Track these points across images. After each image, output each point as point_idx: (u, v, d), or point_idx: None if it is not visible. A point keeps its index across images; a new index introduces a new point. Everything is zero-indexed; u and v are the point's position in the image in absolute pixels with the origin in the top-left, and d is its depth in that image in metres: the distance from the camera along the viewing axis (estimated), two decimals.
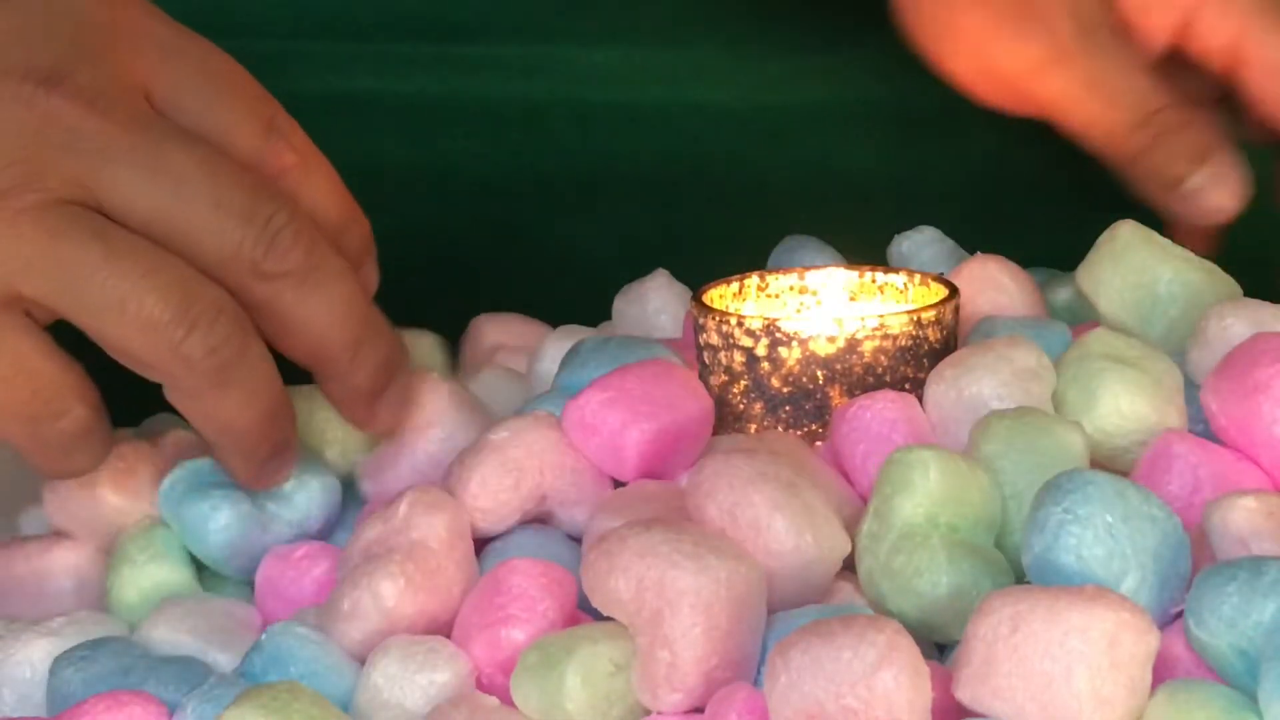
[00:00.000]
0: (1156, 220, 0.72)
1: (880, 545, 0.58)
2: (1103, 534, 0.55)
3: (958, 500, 0.59)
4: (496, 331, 0.80)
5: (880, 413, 0.63)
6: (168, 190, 0.63)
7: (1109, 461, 0.63)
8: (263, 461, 0.66)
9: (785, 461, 0.60)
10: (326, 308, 0.64)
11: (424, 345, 0.76)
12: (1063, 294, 0.77)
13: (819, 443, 0.66)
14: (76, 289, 0.62)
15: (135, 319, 0.62)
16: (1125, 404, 0.63)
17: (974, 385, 0.64)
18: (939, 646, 0.58)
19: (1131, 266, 0.70)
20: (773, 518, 0.58)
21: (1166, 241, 0.70)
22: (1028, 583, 0.56)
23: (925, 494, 0.58)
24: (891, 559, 0.58)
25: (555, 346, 0.74)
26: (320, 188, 0.67)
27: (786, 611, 0.57)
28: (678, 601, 0.55)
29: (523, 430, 0.65)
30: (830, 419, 0.66)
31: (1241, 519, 0.56)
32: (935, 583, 0.57)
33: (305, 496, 0.67)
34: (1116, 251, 0.70)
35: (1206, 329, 0.66)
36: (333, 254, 0.65)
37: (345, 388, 0.66)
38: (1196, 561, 0.57)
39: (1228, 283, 0.70)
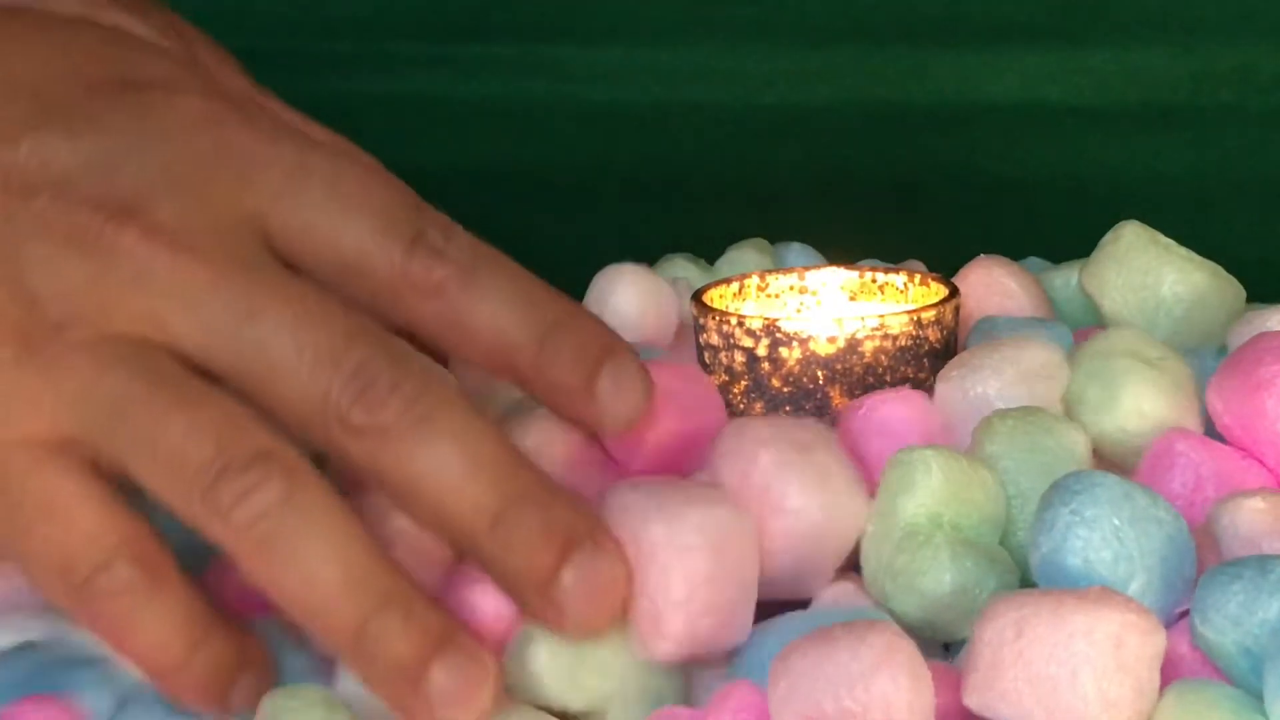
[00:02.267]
0: (1157, 218, 0.72)
1: (884, 545, 0.58)
2: (1110, 536, 0.55)
3: (961, 499, 0.59)
4: None
5: (894, 411, 0.63)
6: (247, 336, 0.54)
7: (1125, 460, 0.63)
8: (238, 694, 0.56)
9: (811, 429, 0.60)
10: (439, 466, 0.54)
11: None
12: (1060, 286, 0.77)
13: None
14: (112, 425, 0.54)
15: (163, 458, 0.54)
16: (1147, 404, 0.63)
17: (980, 385, 0.64)
18: (944, 645, 0.58)
19: (1135, 268, 0.70)
20: (785, 478, 0.58)
21: (1170, 242, 0.70)
22: (1033, 584, 0.56)
23: (928, 493, 0.58)
24: (895, 558, 0.58)
25: None
26: (491, 298, 0.57)
27: (788, 615, 0.57)
28: (652, 553, 0.55)
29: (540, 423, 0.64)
30: (830, 418, 0.66)
31: (1250, 520, 0.56)
32: (939, 581, 0.57)
33: None
34: (1120, 253, 0.70)
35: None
36: (452, 398, 0.55)
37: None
38: (1201, 562, 0.57)
39: (1233, 285, 0.70)
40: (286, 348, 0.54)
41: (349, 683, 0.58)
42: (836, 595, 0.59)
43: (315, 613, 0.53)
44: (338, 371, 0.54)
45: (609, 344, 0.57)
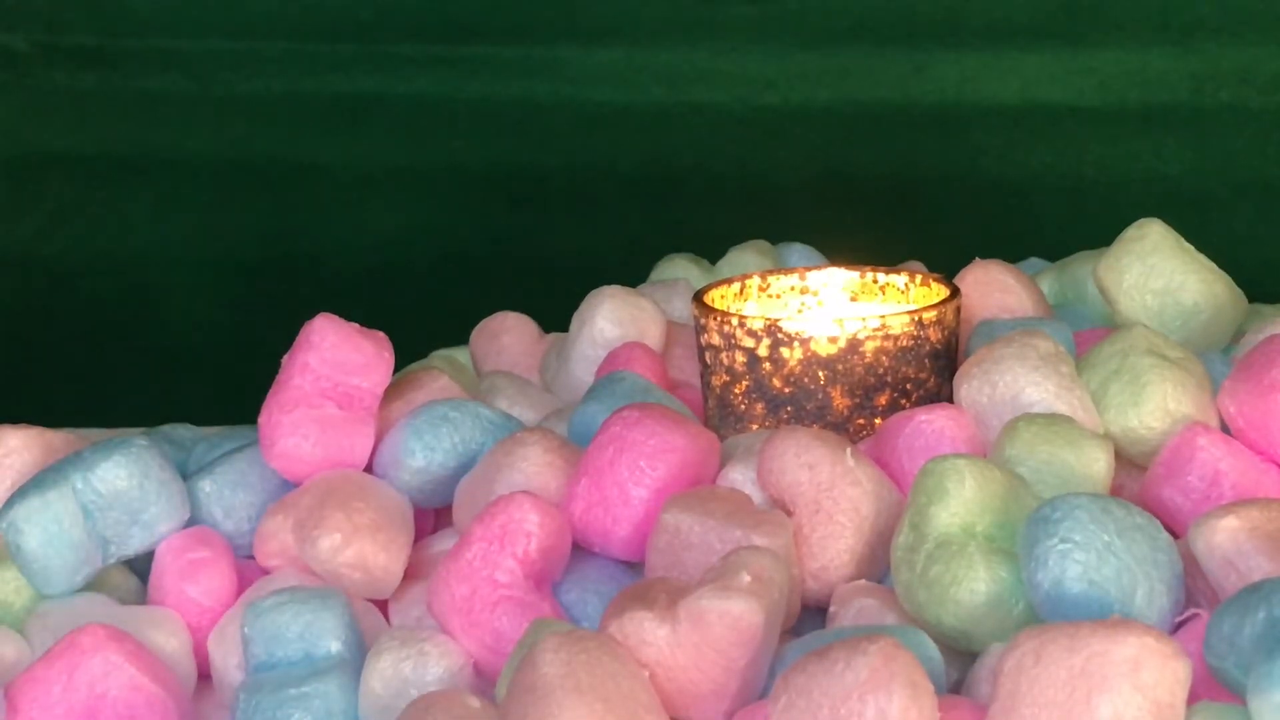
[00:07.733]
0: (1157, 218, 0.72)
1: (917, 556, 0.58)
2: (1105, 553, 0.55)
3: (994, 509, 0.58)
4: (505, 333, 0.80)
5: (936, 425, 0.63)
6: None
7: (1147, 457, 0.63)
8: None
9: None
10: None
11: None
12: (1048, 286, 0.77)
13: (859, 444, 0.66)
14: None
15: None
16: (1172, 402, 0.63)
17: (1007, 374, 0.63)
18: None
19: (1158, 270, 0.69)
20: None
21: (1191, 248, 0.70)
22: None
23: (961, 503, 0.58)
24: (928, 569, 0.57)
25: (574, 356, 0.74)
26: None
27: (811, 634, 0.57)
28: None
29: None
30: (832, 420, 0.66)
31: (1224, 540, 0.56)
32: (973, 591, 0.56)
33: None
34: (1145, 251, 0.70)
35: None
36: None
37: None
38: (1189, 562, 0.57)
39: (1240, 294, 0.70)
40: None
41: (371, 678, 0.58)
42: (862, 608, 0.59)
43: None
44: None
45: None
